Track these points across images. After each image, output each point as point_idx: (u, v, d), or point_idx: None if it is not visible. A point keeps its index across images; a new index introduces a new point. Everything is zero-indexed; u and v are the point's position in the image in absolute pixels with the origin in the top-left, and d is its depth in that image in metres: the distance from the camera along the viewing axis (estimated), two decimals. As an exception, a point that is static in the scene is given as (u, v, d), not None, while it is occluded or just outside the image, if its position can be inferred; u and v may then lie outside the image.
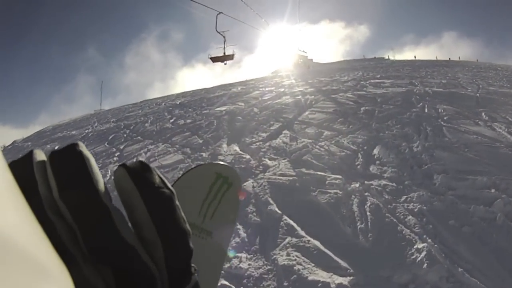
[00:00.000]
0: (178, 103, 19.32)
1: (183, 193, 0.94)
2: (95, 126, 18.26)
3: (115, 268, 0.31)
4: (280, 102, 12.95)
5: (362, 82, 17.37)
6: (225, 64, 33.59)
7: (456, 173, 5.98)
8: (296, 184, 5.97)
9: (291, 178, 6.20)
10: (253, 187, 6.07)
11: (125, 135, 12.85)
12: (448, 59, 37.23)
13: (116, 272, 0.31)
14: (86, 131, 17.22)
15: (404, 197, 5.39)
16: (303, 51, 43.64)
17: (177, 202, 0.35)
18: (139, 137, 11.84)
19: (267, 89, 18.23)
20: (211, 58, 33.12)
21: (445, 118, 9.13)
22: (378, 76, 19.92)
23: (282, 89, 17.21)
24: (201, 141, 9.54)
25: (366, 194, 5.48)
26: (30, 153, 0.32)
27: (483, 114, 9.44)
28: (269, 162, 7.11)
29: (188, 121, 12.81)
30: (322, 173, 6.20)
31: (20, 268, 0.20)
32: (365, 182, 5.81)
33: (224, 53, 32.21)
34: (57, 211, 0.30)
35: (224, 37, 31.20)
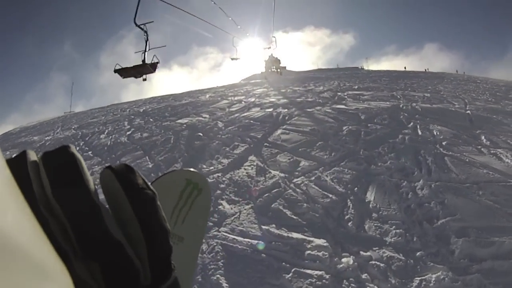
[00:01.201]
0: (141, 110, 16.97)
1: None
2: (56, 133, 16.02)
3: (103, 262, 0.31)
4: (249, 116, 10.95)
5: (339, 94, 15.62)
6: (144, 80, 18.68)
7: (477, 232, 4.22)
8: (262, 254, 3.97)
9: (254, 241, 4.20)
10: (202, 252, 4.06)
11: (77, 148, 10.52)
12: (425, 70, 36.30)
13: (103, 267, 0.31)
14: (47, 137, 14.87)
15: (417, 280, 3.54)
16: (276, 58, 41.94)
17: (158, 203, 0.36)
18: (89, 153, 9.66)
19: (236, 98, 16.20)
20: (117, 71, 16.74)
21: (443, 143, 7.40)
22: (356, 87, 18.27)
23: (253, 99, 15.23)
24: (151, 165, 7.45)
25: (364, 276, 3.56)
26: (24, 153, 0.33)
27: (482, 137, 7.85)
28: (227, 208, 5.09)
29: (145, 135, 10.63)
30: (300, 235, 4.24)
31: (21, 268, 0.20)
32: (361, 252, 3.91)
33: (143, 61, 16.87)
34: (49, 208, 0.31)
35: (146, 32, 16.12)
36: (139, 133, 11.02)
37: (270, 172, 6.25)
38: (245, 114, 11.43)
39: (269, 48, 40.62)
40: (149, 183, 0.37)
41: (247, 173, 6.34)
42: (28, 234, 0.22)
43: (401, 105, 11.45)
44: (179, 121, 11.82)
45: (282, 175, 6.08)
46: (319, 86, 19.50)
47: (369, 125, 9.02)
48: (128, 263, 0.33)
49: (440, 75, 26.17)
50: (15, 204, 0.23)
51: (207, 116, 12.11)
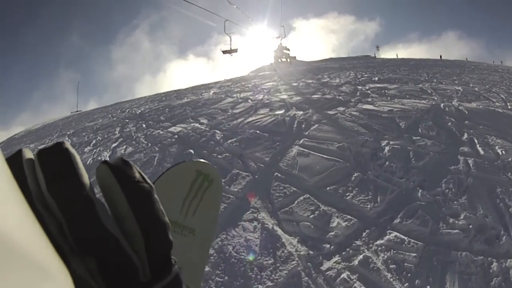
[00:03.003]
0: (139, 112, 14.46)
1: (164, 191, 0.87)
2: (52, 140, 14.06)
3: (99, 258, 0.30)
4: (255, 122, 8.20)
5: (360, 88, 12.78)
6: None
7: None
8: None
9: None
10: None
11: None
12: (439, 57, 32.53)
13: (100, 262, 0.30)
14: (41, 145, 12.79)
15: None
16: (286, 47, 39.14)
17: (156, 196, 0.34)
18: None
19: (242, 95, 13.36)
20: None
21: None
22: (376, 78, 15.34)
23: (261, 96, 12.42)
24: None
25: None
26: (19, 151, 0.32)
27: None
28: None
29: (129, 150, 8.10)
30: None
31: (21, 268, 0.20)
32: None
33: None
34: (45, 204, 0.30)
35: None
36: (124, 146, 8.50)
37: (283, 244, 3.61)
38: (251, 119, 8.69)
39: (278, 37, 38.41)
40: (146, 177, 0.34)
41: (245, 244, 3.73)
42: (28, 234, 0.22)
43: (441, 105, 8.56)
44: (172, 129, 9.17)
45: (304, 252, 3.44)
46: (335, 78, 16.55)
47: (414, 138, 6.26)
48: (125, 258, 0.31)
49: (459, 64, 22.77)
50: (15, 204, 0.22)
51: (205, 121, 9.41)
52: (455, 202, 4.39)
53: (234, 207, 4.54)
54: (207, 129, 8.40)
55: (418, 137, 6.27)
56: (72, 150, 0.32)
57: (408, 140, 6.18)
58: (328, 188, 4.66)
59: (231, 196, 4.80)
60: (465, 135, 6.35)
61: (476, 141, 6.06)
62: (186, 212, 0.86)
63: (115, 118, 14.43)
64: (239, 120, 8.77)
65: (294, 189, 4.73)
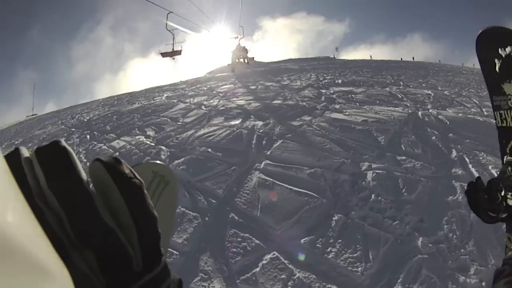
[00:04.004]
0: (87, 119, 12.86)
1: None
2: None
3: (98, 250, 0.31)
4: (206, 137, 6.86)
5: (324, 92, 11.94)
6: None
7: None
8: None
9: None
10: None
11: None
12: (400, 59, 32.93)
13: (98, 254, 0.31)
14: None
15: None
16: (244, 47, 38.12)
17: (145, 191, 0.35)
18: None
19: (196, 100, 12.02)
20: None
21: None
22: (339, 81, 14.65)
23: (216, 101, 11.12)
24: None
25: None
26: (17, 150, 0.33)
27: None
28: None
29: None
30: None
31: (21, 267, 0.20)
32: None
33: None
34: (45, 200, 0.30)
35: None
36: None
37: None
38: (203, 131, 7.37)
39: (236, 37, 37.17)
40: (136, 173, 0.35)
41: None
42: (28, 234, 0.22)
43: (419, 114, 7.80)
44: (115, 143, 7.80)
45: None
46: (295, 80, 15.68)
47: (398, 158, 5.31)
48: (122, 249, 0.32)
49: (422, 65, 22.95)
50: (15, 203, 0.22)
51: (152, 133, 8.08)
52: (462, 250, 3.49)
53: (177, 271, 3.23)
54: (152, 144, 7.03)
55: (403, 157, 5.33)
56: (69, 148, 0.32)
57: (392, 161, 5.21)
58: (302, 241, 3.49)
59: (174, 252, 3.50)
60: (454, 152, 5.53)
61: (467, 159, 5.24)
62: None
63: (63, 126, 13.11)
64: (189, 132, 7.45)
65: (257, 242, 3.51)
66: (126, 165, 0.35)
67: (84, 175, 0.32)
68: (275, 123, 7.55)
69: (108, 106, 16.34)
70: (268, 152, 5.75)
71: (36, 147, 0.32)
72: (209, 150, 6.09)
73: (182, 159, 5.82)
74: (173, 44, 32.93)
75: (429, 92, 11.15)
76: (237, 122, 7.97)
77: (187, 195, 4.57)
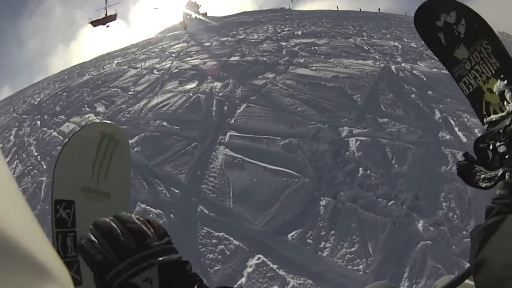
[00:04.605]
0: (37, 102, 11.59)
1: (73, 158, 0.94)
2: None
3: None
4: (161, 107, 5.89)
5: (284, 44, 11.11)
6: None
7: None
8: None
9: None
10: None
11: None
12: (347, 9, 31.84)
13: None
14: None
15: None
16: (195, 2, 35.33)
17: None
18: None
19: (147, 64, 10.77)
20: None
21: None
22: (299, 33, 13.81)
23: (168, 63, 9.88)
24: None
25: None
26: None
27: None
28: None
29: (19, 169, 5.75)
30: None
31: (21, 268, 0.20)
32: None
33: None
34: None
35: None
36: (15, 163, 6.02)
37: None
38: (156, 101, 6.35)
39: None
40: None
41: None
42: (28, 234, 0.22)
43: (393, 69, 7.29)
44: (65, 126, 6.91)
45: None
46: (252, 33, 14.59)
47: (379, 120, 4.79)
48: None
49: (383, 16, 22.47)
50: (15, 205, 0.22)
51: (102, 109, 7.24)
52: (464, 232, 3.11)
53: None
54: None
55: (385, 119, 4.82)
56: None
57: (374, 124, 4.68)
58: (289, 237, 2.87)
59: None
60: (437, 113, 5.12)
61: (452, 122, 4.87)
62: (98, 176, 0.91)
63: (15, 114, 11.51)
64: (142, 103, 6.51)
65: (236, 242, 2.86)
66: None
67: None
68: (235, 84, 6.71)
69: (59, 82, 15.31)
70: (232, 121, 4.98)
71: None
72: (165, 123, 5.20)
73: (136, 138, 4.90)
74: (106, 8, 28.27)
75: (396, 44, 10.74)
76: (193, 85, 7.03)
77: (145, 185, 3.78)
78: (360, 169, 3.70)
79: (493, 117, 1.14)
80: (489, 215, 0.87)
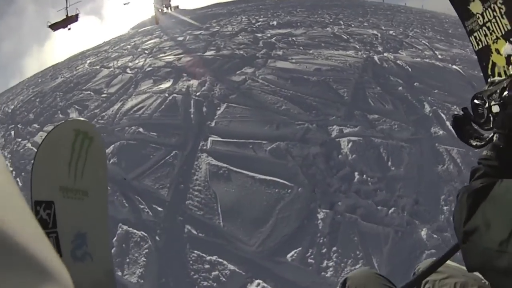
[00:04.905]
0: (11, 109, 10.66)
1: (49, 158, 0.94)
2: None
3: None
4: (135, 113, 5.43)
5: (260, 36, 10.80)
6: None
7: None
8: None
9: None
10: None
11: None
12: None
13: None
14: None
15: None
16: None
17: None
18: None
19: (120, 62, 10.24)
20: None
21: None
22: (274, 23, 13.49)
23: (142, 61, 9.34)
24: None
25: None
26: None
27: None
28: None
29: None
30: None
31: (21, 268, 0.20)
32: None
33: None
34: None
35: None
36: None
37: None
38: (131, 104, 5.92)
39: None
40: None
41: None
42: (28, 234, 0.22)
43: (376, 59, 7.12)
44: (38, 137, 6.32)
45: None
46: (226, 25, 14.16)
47: (369, 117, 4.61)
48: None
49: (358, 3, 22.32)
50: (15, 204, 0.22)
51: (75, 115, 6.81)
52: None
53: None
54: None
55: (375, 116, 4.63)
56: None
57: (364, 122, 4.48)
58: (288, 257, 2.62)
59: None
60: (426, 106, 4.98)
61: (442, 115, 4.74)
62: (74, 174, 0.93)
63: None
64: (116, 107, 6.12)
65: (231, 267, 2.58)
66: None
67: None
68: (212, 81, 6.37)
69: (33, 86, 14.45)
70: (212, 124, 4.67)
71: None
72: (141, 130, 4.83)
73: (111, 147, 4.50)
74: (66, 8, 24.38)
75: (375, 32, 10.61)
76: (168, 84, 6.65)
77: (125, 203, 3.42)
78: (356, 173, 3.49)
79: (496, 79, 1.11)
80: (475, 176, 0.87)
